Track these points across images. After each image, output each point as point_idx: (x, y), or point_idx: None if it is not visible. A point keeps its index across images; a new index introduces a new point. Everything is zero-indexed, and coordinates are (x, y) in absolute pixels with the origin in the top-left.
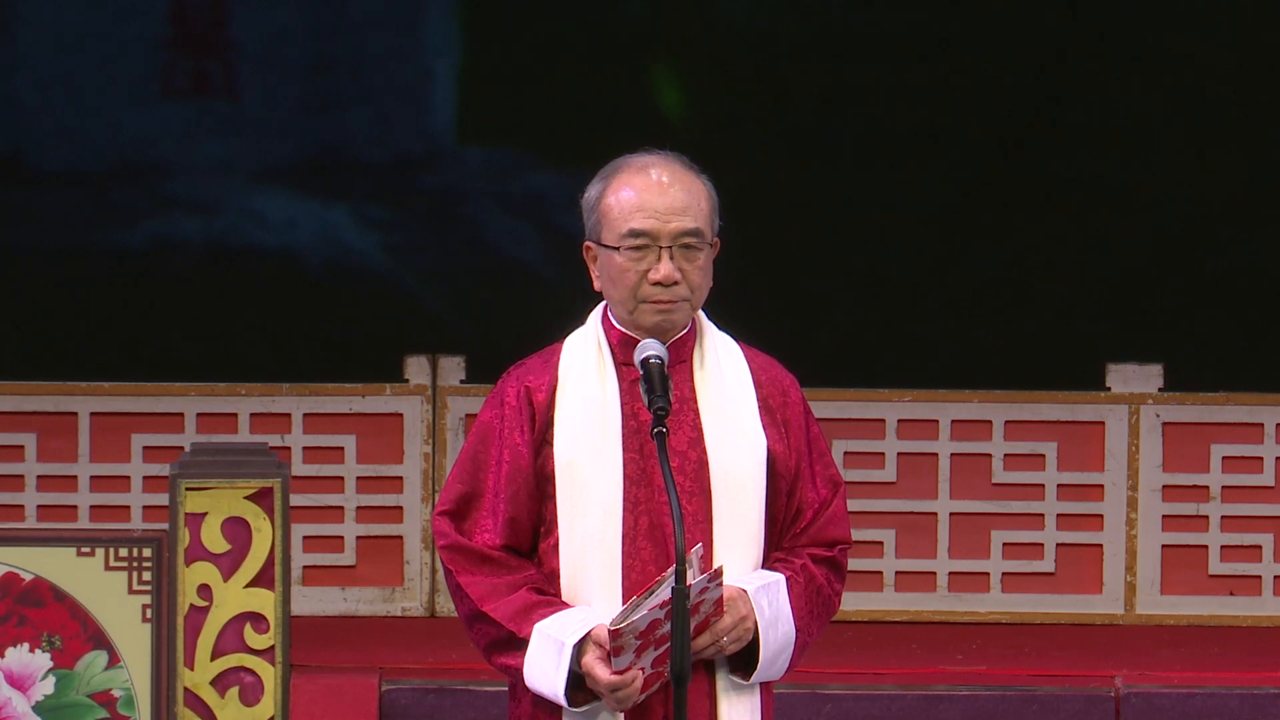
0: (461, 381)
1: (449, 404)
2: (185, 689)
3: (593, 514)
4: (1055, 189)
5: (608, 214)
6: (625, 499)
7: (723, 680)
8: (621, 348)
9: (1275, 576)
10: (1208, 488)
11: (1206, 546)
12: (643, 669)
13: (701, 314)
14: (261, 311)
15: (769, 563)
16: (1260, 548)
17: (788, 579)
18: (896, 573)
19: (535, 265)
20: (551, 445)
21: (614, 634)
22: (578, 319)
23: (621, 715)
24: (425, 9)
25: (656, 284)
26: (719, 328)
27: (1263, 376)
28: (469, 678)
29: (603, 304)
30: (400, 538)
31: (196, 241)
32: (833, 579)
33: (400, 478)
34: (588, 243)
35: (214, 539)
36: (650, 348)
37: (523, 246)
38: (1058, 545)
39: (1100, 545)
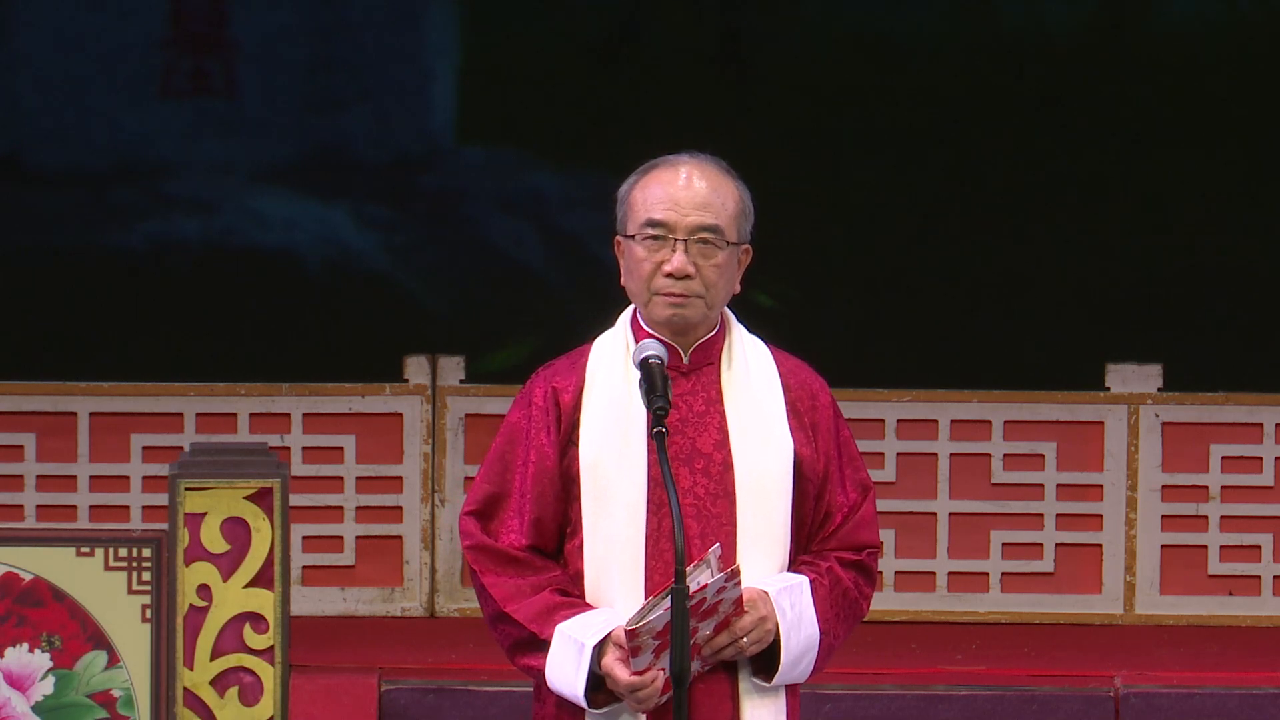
0: (461, 381)
1: (448, 404)
2: (185, 689)
3: (616, 515)
4: (1055, 189)
5: (633, 206)
6: (649, 500)
7: (745, 682)
8: None
9: (1274, 576)
10: (1207, 488)
11: (1206, 546)
12: (663, 669)
13: (731, 315)
14: (261, 311)
15: (795, 566)
16: (1259, 548)
17: (812, 581)
18: (896, 573)
19: (535, 265)
20: (577, 446)
21: (630, 634)
22: (577, 319)
23: (643, 716)
24: (425, 9)
25: (669, 276)
26: (749, 330)
27: (1262, 376)
28: (468, 678)
29: (632, 306)
30: (400, 538)
31: (196, 241)
32: (861, 582)
33: (400, 478)
34: (617, 237)
35: (213, 539)
36: (649, 348)
37: (522, 246)
38: (1057, 545)
39: (1099, 545)
